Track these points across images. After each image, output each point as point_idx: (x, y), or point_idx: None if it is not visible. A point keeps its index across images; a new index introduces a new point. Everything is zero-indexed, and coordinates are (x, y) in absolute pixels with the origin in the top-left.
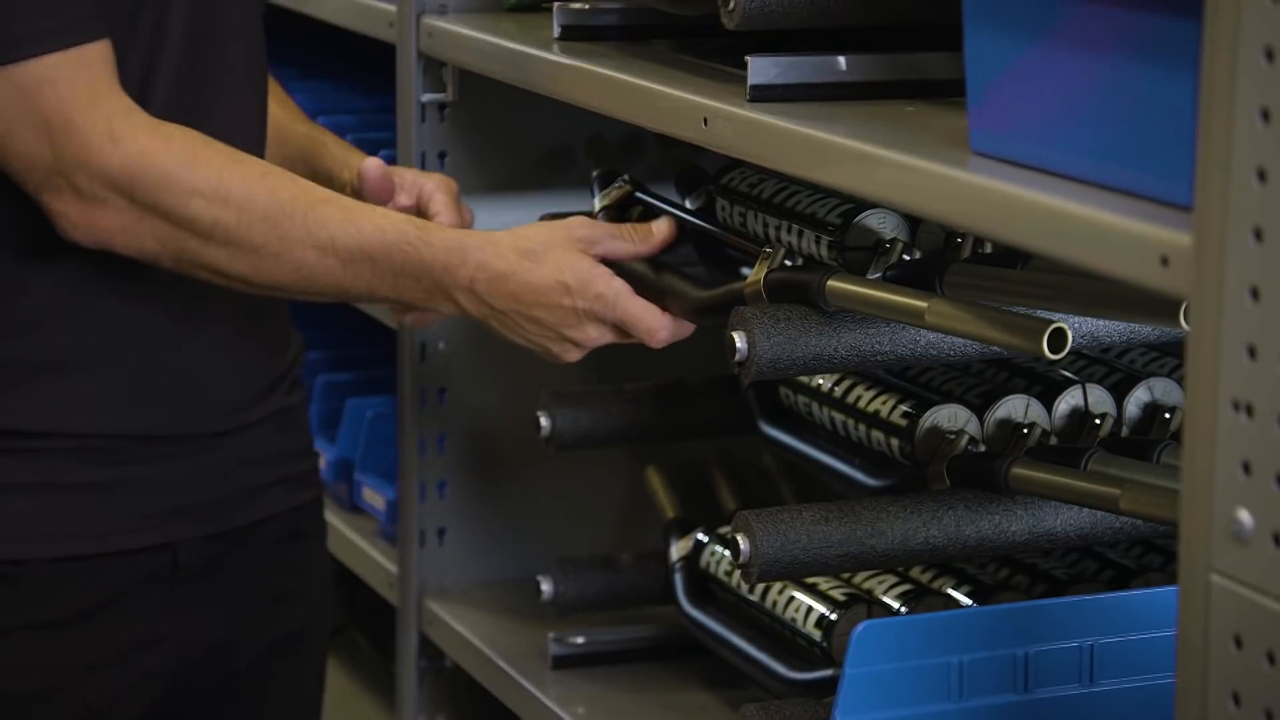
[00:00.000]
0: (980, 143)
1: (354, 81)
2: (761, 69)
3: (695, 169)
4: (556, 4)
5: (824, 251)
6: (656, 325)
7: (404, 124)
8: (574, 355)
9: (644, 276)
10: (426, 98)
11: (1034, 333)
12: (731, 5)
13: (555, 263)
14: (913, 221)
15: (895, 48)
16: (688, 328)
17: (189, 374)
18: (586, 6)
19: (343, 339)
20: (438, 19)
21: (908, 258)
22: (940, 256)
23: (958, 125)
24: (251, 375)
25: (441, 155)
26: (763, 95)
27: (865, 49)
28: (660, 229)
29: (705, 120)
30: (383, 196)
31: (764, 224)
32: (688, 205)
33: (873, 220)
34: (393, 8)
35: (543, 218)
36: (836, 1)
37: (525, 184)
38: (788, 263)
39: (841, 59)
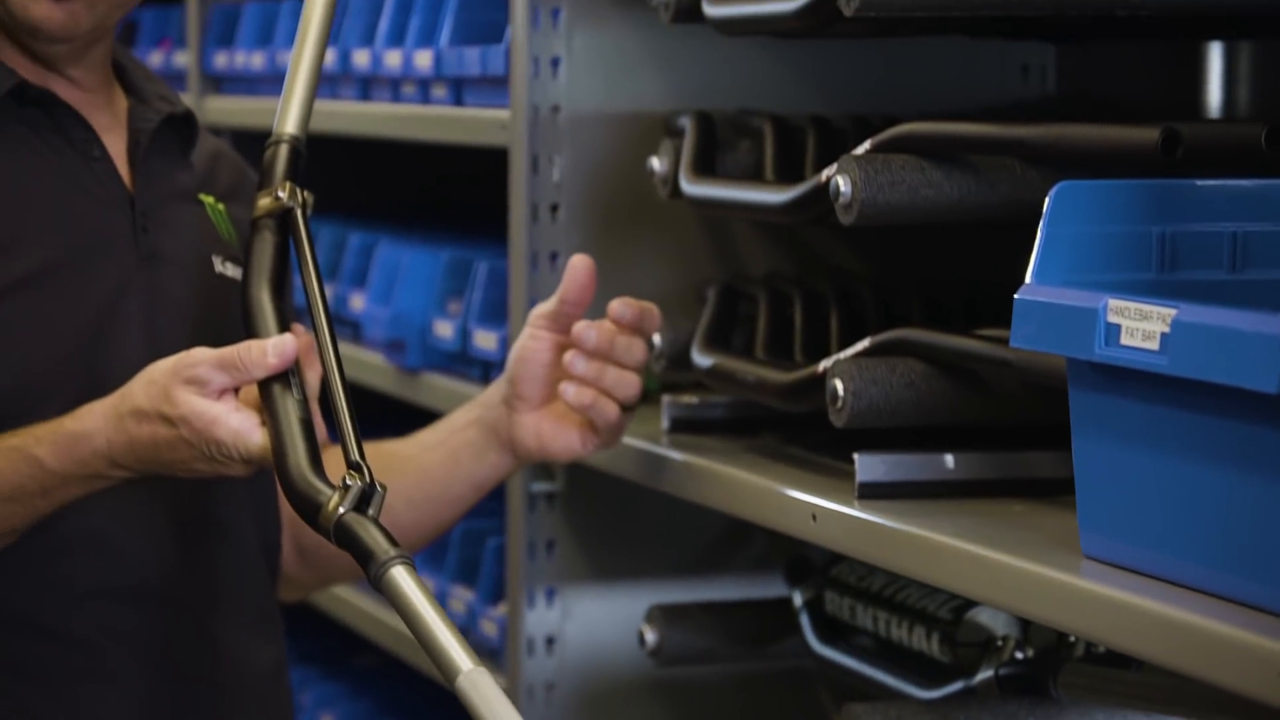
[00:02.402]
0: (1092, 547)
1: None
2: (870, 466)
3: (803, 559)
4: (666, 397)
5: (935, 648)
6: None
7: (514, 513)
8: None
9: (274, 405)
10: (536, 487)
11: None
12: (840, 405)
13: (168, 418)
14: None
15: (1001, 445)
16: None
17: None
18: (696, 400)
19: None
20: None
21: (1020, 655)
22: (1053, 655)
23: (1066, 526)
24: None
25: (550, 544)
26: (871, 493)
27: (972, 446)
28: (280, 350)
29: (814, 516)
30: (583, 295)
31: (874, 617)
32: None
33: (984, 616)
34: None
35: (652, 608)
36: (942, 403)
37: (634, 572)
38: None
39: (949, 457)
